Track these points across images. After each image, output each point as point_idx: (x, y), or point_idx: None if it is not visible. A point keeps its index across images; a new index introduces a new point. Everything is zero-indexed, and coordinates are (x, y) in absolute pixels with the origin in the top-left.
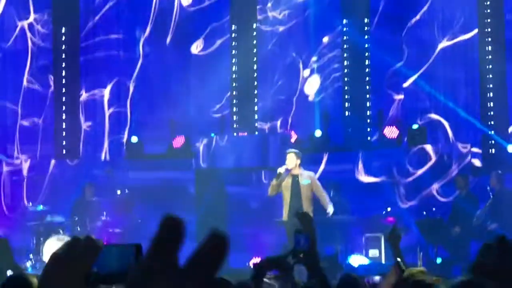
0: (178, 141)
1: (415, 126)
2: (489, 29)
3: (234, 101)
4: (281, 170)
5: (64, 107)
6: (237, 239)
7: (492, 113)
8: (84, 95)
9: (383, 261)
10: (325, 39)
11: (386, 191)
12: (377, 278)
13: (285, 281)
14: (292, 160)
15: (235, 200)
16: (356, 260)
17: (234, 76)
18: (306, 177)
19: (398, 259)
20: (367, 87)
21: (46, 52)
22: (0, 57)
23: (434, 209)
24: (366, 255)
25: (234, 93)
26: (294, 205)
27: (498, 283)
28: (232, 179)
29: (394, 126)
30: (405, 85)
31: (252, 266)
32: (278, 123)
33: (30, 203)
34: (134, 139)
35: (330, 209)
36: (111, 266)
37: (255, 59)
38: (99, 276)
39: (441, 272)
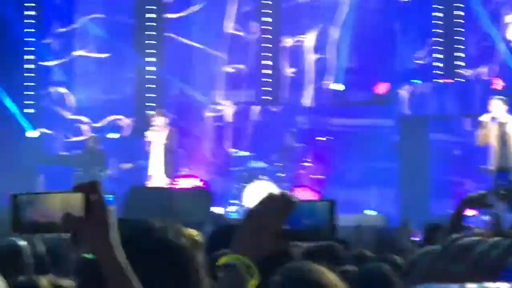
0: (382, 88)
1: None
2: None
3: (438, 48)
4: (484, 118)
5: (267, 54)
6: (441, 186)
7: None
8: (287, 42)
9: None
10: None
11: None
12: None
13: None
14: (499, 107)
15: (438, 148)
16: None
17: (438, 22)
18: None
19: None
20: None
21: None
22: (204, 4)
23: None
24: None
25: (438, 40)
26: (503, 154)
27: None
28: (435, 127)
29: None
30: None
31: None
32: (486, 70)
33: (234, 149)
34: (338, 86)
35: None
36: (303, 223)
37: (460, 4)
38: (291, 232)
39: None
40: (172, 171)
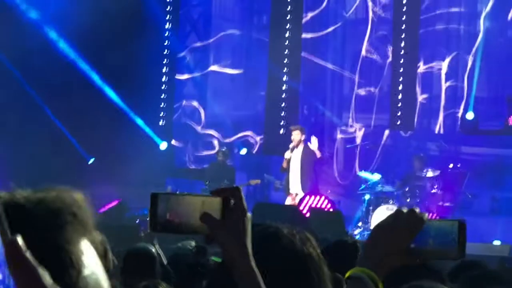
0: None
1: None
2: None
3: None
4: None
5: (401, 78)
6: None
7: None
8: (421, 67)
9: None
10: None
11: None
12: None
13: None
14: None
15: None
16: None
17: None
18: None
19: None
20: None
21: (386, 22)
22: (340, 26)
23: None
24: None
25: None
26: None
27: None
28: None
29: None
30: None
31: None
32: None
33: (363, 171)
34: (470, 115)
35: None
36: (431, 241)
37: None
38: (417, 250)
39: None
40: (306, 187)
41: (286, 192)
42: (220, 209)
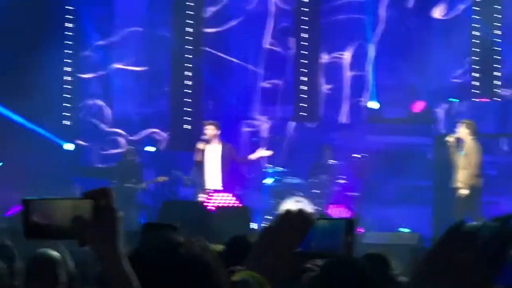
0: (418, 106)
1: None
2: None
3: (476, 66)
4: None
5: (304, 69)
6: None
7: None
8: (325, 58)
9: None
10: None
11: None
12: None
13: None
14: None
15: None
16: None
17: (475, 41)
18: None
19: None
20: None
21: (287, 14)
22: (242, 19)
23: None
24: None
25: (475, 58)
26: None
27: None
28: None
29: None
30: None
31: None
32: None
33: (269, 164)
34: (374, 104)
35: None
36: (320, 242)
37: (498, 23)
38: (305, 253)
39: None
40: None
41: (200, 187)
42: (91, 211)
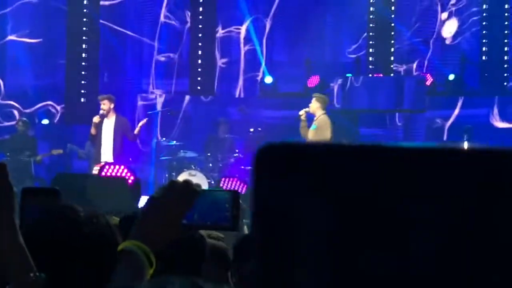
0: (313, 81)
1: None
2: None
3: (370, 42)
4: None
5: (200, 43)
6: None
7: None
8: (220, 32)
9: None
10: None
11: None
12: None
13: None
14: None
15: (368, 142)
16: None
17: (371, 17)
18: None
19: None
20: (506, 31)
21: None
22: None
23: None
24: None
25: (370, 34)
26: None
27: None
28: (366, 121)
29: None
30: None
31: None
32: (414, 65)
33: (164, 138)
34: (269, 79)
35: None
36: (206, 212)
37: (393, 0)
38: (190, 226)
39: None
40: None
41: (94, 160)
42: None
